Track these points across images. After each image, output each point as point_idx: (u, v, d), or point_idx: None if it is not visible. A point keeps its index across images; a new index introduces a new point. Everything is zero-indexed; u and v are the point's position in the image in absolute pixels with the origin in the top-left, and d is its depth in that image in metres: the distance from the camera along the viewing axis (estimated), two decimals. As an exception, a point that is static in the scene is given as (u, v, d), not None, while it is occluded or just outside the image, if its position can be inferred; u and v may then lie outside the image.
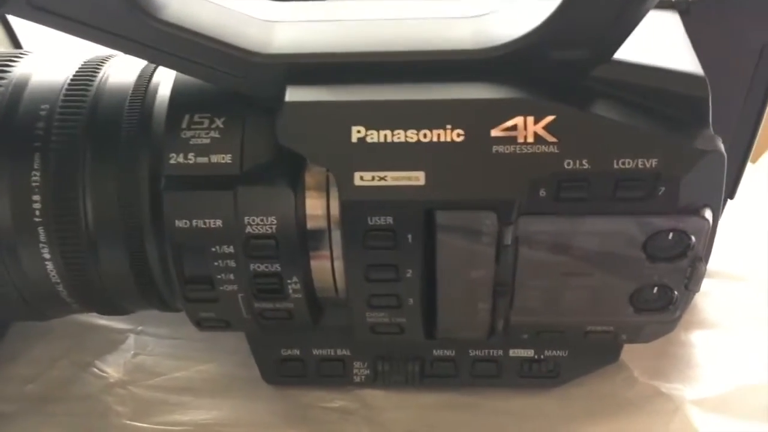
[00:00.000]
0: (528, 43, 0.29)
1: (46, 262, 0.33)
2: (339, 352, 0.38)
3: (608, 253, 0.31)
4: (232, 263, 0.32)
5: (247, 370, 0.39)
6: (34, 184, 0.32)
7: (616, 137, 0.28)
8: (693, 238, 0.30)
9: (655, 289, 0.32)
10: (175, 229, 0.31)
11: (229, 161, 0.31)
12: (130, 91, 0.33)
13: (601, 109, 0.29)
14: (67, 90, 0.33)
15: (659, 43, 0.31)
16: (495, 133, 0.29)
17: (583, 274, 0.31)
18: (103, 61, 0.35)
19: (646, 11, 0.28)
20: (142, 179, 0.32)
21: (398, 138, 0.29)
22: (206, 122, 0.31)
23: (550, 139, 0.28)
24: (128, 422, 0.38)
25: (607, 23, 0.28)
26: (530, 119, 0.28)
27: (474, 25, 0.31)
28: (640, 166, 0.28)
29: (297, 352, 0.38)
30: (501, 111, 0.29)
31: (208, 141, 0.31)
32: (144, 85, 0.33)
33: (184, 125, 0.31)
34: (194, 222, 0.31)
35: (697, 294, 0.33)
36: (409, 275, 0.31)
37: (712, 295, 0.43)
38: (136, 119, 0.32)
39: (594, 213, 0.30)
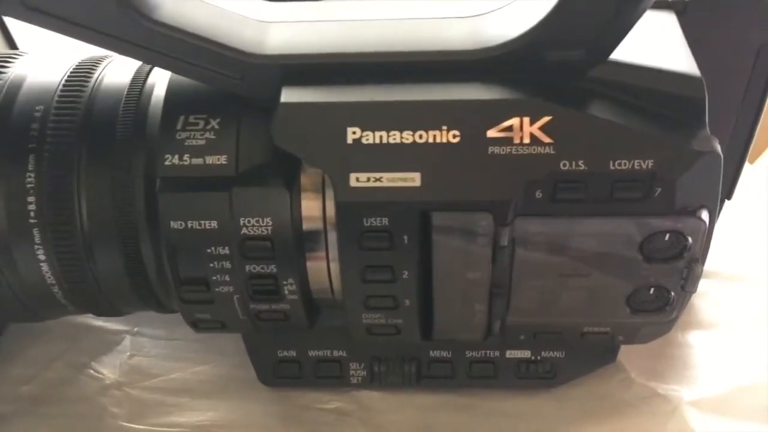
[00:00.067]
0: (524, 43, 0.29)
1: (41, 264, 0.33)
2: (335, 353, 0.37)
3: (605, 254, 0.31)
4: (227, 264, 0.32)
5: (244, 371, 0.39)
6: (28, 185, 0.32)
7: (613, 138, 0.28)
8: (689, 239, 0.30)
9: (652, 290, 0.32)
10: (171, 231, 0.31)
11: (225, 162, 0.31)
12: (125, 92, 0.33)
13: (598, 109, 0.29)
14: (61, 91, 0.33)
15: (656, 43, 0.31)
16: (491, 134, 0.28)
17: (580, 276, 0.31)
18: (98, 62, 0.35)
19: (643, 11, 0.28)
20: (137, 180, 0.32)
21: (394, 139, 0.29)
22: (201, 123, 0.31)
23: (547, 140, 0.28)
24: (124, 424, 0.38)
25: (603, 24, 0.28)
26: (526, 120, 0.28)
27: (470, 25, 0.31)
28: (636, 167, 0.28)
29: (293, 353, 0.38)
30: (497, 112, 0.28)
31: (203, 142, 0.31)
32: (139, 86, 0.33)
33: (179, 126, 0.31)
34: (189, 223, 0.31)
35: (694, 295, 0.33)
36: (405, 276, 0.31)
37: (710, 295, 0.43)
38: (131, 120, 0.32)
39: (590, 214, 0.29)
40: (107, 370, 0.40)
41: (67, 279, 0.33)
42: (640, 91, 0.29)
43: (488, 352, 0.37)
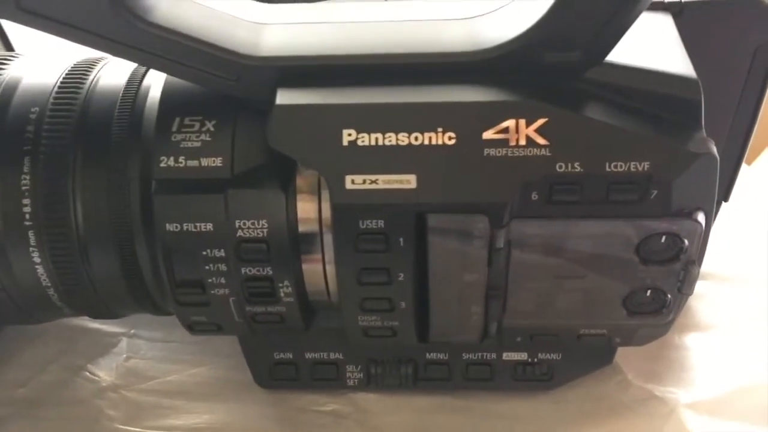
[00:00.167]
0: (520, 45, 0.29)
1: (37, 266, 0.33)
2: (332, 355, 0.37)
3: (601, 256, 0.30)
4: (223, 267, 0.32)
5: (240, 373, 0.39)
6: (24, 187, 0.32)
7: (609, 140, 0.28)
8: (686, 241, 0.30)
9: (648, 292, 0.32)
10: (166, 233, 0.31)
11: (220, 164, 0.31)
12: (121, 94, 0.33)
13: (594, 111, 0.29)
14: (57, 93, 0.33)
15: (652, 45, 0.31)
16: (487, 135, 0.28)
17: (576, 278, 0.31)
18: (93, 63, 0.35)
19: (639, 13, 0.28)
20: (133, 182, 0.32)
21: (389, 141, 0.29)
22: (197, 125, 0.31)
23: (542, 141, 0.28)
24: (120, 426, 0.37)
25: (599, 25, 0.28)
26: (522, 122, 0.28)
27: (466, 27, 0.30)
28: (632, 168, 0.28)
29: (290, 355, 0.38)
30: (493, 113, 0.28)
31: (198, 144, 0.31)
32: (134, 88, 0.33)
33: (174, 128, 0.31)
34: (185, 225, 0.31)
35: (691, 296, 0.33)
36: (401, 279, 0.31)
37: (707, 297, 0.43)
38: (126, 122, 0.32)
39: (586, 216, 0.29)
40: (103, 372, 0.40)
41: (63, 281, 0.33)
42: (637, 93, 0.29)
43: (485, 354, 0.37)
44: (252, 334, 0.35)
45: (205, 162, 0.31)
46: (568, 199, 0.29)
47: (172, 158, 0.31)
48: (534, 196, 0.29)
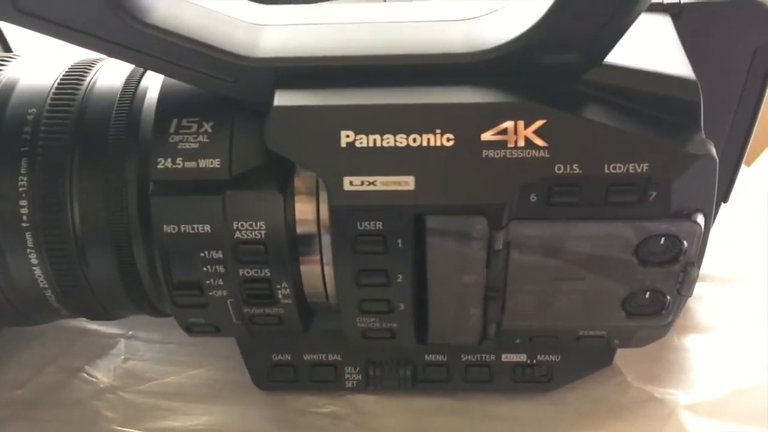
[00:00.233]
0: (519, 46, 0.29)
1: (34, 268, 0.33)
2: (330, 357, 0.37)
3: (600, 257, 0.30)
4: (221, 269, 0.31)
5: (239, 375, 0.39)
6: (21, 189, 0.32)
7: (607, 141, 0.28)
8: (685, 243, 0.30)
9: (648, 294, 0.31)
10: (164, 235, 0.31)
11: (218, 166, 0.30)
12: (118, 96, 0.33)
13: (592, 113, 0.29)
14: (54, 94, 0.33)
15: (651, 46, 0.31)
16: (485, 137, 0.28)
17: (575, 279, 0.31)
18: (90, 65, 0.35)
19: (638, 14, 0.28)
20: (130, 184, 0.32)
21: (388, 142, 0.29)
22: (194, 126, 0.31)
23: (541, 143, 0.28)
24: (118, 428, 0.37)
25: (598, 26, 0.28)
26: (521, 123, 0.28)
27: (464, 28, 0.30)
28: (631, 170, 0.28)
29: (288, 357, 0.37)
30: (491, 115, 0.28)
31: (196, 145, 0.31)
32: (132, 89, 0.33)
33: (172, 129, 0.31)
34: (183, 227, 0.31)
35: (690, 298, 0.33)
36: (399, 280, 0.31)
37: (706, 299, 0.43)
38: (123, 124, 0.32)
39: (585, 218, 0.29)
40: (101, 373, 0.40)
41: (60, 283, 0.33)
42: (635, 95, 0.29)
43: (484, 355, 0.37)
44: (250, 335, 0.35)
45: (202, 163, 0.30)
46: (566, 201, 0.29)
47: (169, 160, 0.30)
48: (533, 197, 0.29)
